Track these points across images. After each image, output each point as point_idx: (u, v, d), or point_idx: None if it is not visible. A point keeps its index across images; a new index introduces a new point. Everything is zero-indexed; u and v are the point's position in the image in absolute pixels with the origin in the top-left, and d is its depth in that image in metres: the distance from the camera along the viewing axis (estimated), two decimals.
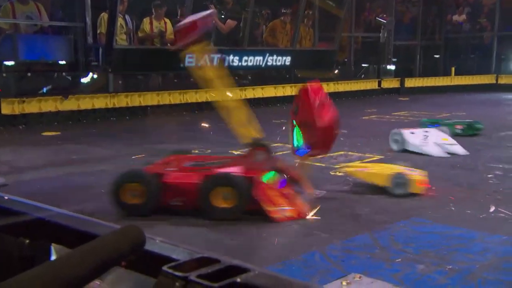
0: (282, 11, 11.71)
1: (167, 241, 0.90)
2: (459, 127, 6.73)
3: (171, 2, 10.06)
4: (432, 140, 5.66)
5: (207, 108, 10.35)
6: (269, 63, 11.66)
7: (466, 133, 6.71)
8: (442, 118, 7.17)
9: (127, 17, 9.43)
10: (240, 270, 0.77)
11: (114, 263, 0.77)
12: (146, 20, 9.62)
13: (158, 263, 0.79)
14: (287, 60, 12.10)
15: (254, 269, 0.79)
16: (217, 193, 3.36)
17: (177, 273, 0.72)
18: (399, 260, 2.76)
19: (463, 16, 15.71)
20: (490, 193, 4.05)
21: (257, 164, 3.59)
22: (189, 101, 10.16)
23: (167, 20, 9.82)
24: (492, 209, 3.61)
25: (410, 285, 2.46)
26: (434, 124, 6.80)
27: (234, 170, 3.54)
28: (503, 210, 3.57)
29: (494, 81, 14.41)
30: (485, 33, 15.22)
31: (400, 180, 3.95)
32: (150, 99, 9.57)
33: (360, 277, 2.48)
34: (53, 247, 0.92)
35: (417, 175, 4.07)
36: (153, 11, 9.62)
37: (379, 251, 2.90)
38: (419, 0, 15.31)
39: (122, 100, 9.22)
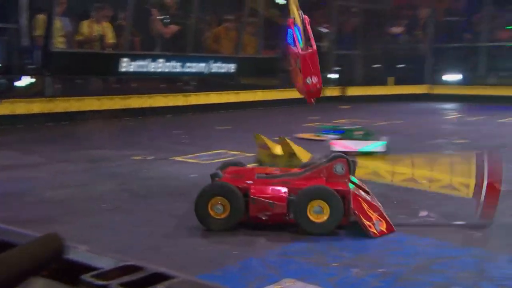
0: (226, 17, 11.78)
1: (92, 249, 0.89)
2: (358, 133, 7.06)
3: (112, 5, 9.87)
4: None
5: (151, 114, 10.22)
6: (213, 70, 11.67)
7: (365, 139, 7.06)
8: (341, 125, 7.50)
9: (65, 19, 9.16)
10: (164, 278, 0.78)
11: (34, 273, 0.75)
12: (85, 23, 9.40)
13: (81, 272, 0.78)
14: (232, 67, 12.17)
15: (178, 276, 0.79)
16: (311, 207, 3.28)
17: (97, 282, 0.72)
18: (336, 264, 2.84)
19: (401, 28, 16.42)
20: (422, 198, 4.23)
21: (338, 177, 3.48)
22: (132, 106, 9.98)
23: (108, 24, 9.64)
24: (424, 213, 3.77)
25: None
26: (333, 130, 7.10)
27: (317, 182, 3.43)
28: (433, 215, 3.75)
29: (429, 91, 15.14)
30: (420, 45, 15.97)
31: None
32: (90, 104, 9.33)
33: (293, 282, 2.53)
34: None
35: None
36: (92, 14, 9.41)
37: (317, 256, 2.97)
38: (360, 11, 15.87)
39: (60, 105, 8.94)
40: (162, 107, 10.54)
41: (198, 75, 11.58)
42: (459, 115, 11.36)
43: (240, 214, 3.35)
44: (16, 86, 8.83)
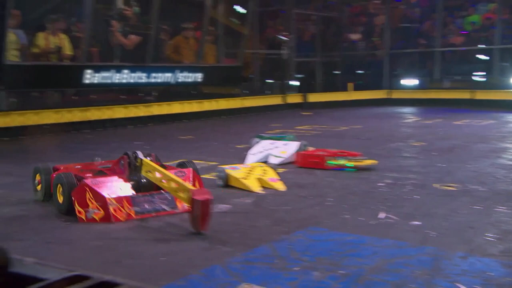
0: (183, 26, 11.75)
1: (39, 261, 0.90)
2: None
3: (67, 17, 9.73)
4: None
5: (110, 126, 10.09)
6: (180, 80, 11.63)
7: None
8: (274, 135, 7.58)
9: (20, 32, 8.98)
10: (111, 285, 0.79)
11: None
12: (40, 35, 9.23)
13: (27, 284, 0.78)
14: (199, 76, 12.16)
15: (124, 283, 0.81)
16: (59, 190, 3.98)
17: None
18: (297, 268, 2.88)
19: (358, 35, 16.81)
20: (381, 200, 4.35)
21: (121, 171, 4.12)
22: (91, 118, 9.84)
23: (64, 36, 9.49)
24: (382, 215, 3.88)
25: None
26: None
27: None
28: (391, 216, 3.86)
29: (387, 96, 15.53)
30: (378, 51, 16.38)
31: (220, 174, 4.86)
32: (47, 117, 9.15)
33: (251, 286, 2.56)
34: None
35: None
36: (48, 26, 9.25)
37: (278, 261, 3.01)
38: (318, 19, 16.16)
39: (16, 119, 8.72)
40: (122, 118, 10.43)
41: (165, 85, 11.53)
42: (417, 119, 11.71)
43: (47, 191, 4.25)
44: None
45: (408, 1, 16.53)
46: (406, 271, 2.81)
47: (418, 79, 15.40)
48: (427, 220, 3.77)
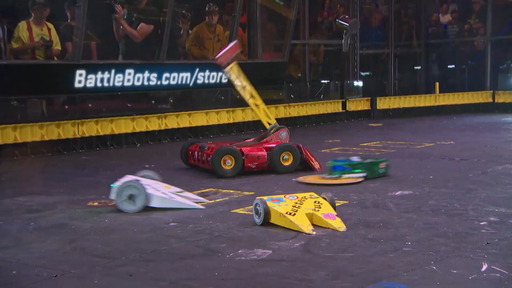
0: (208, 10, 11.85)
1: None
2: (382, 165, 7.03)
3: (56, 1, 10.00)
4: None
5: (114, 143, 10.26)
6: (200, 81, 11.76)
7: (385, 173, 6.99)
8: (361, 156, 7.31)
9: None
10: None
11: None
12: (22, 25, 9.54)
13: None
14: (224, 76, 12.24)
15: None
16: (282, 156, 7.26)
17: None
18: None
19: (448, 16, 16.60)
20: (482, 246, 4.23)
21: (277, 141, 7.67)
22: (87, 134, 10.04)
23: (51, 26, 9.76)
24: (485, 267, 3.76)
25: None
26: (347, 166, 6.78)
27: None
28: (498, 269, 3.74)
29: (490, 100, 15.19)
30: (476, 37, 16.10)
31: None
32: (31, 133, 9.41)
33: None
34: None
35: None
36: (31, 13, 9.54)
37: None
38: None
39: None
40: (129, 133, 10.57)
41: (181, 88, 11.64)
42: None
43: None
44: None
45: None
46: None
47: None
48: None
